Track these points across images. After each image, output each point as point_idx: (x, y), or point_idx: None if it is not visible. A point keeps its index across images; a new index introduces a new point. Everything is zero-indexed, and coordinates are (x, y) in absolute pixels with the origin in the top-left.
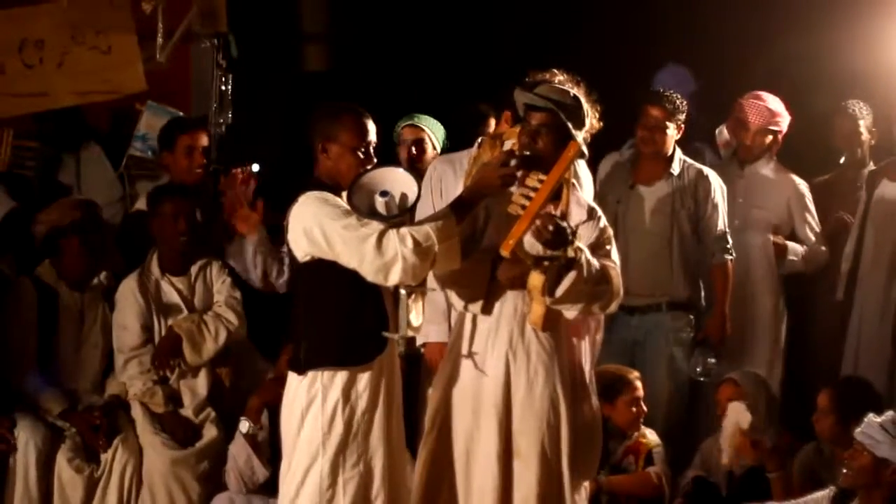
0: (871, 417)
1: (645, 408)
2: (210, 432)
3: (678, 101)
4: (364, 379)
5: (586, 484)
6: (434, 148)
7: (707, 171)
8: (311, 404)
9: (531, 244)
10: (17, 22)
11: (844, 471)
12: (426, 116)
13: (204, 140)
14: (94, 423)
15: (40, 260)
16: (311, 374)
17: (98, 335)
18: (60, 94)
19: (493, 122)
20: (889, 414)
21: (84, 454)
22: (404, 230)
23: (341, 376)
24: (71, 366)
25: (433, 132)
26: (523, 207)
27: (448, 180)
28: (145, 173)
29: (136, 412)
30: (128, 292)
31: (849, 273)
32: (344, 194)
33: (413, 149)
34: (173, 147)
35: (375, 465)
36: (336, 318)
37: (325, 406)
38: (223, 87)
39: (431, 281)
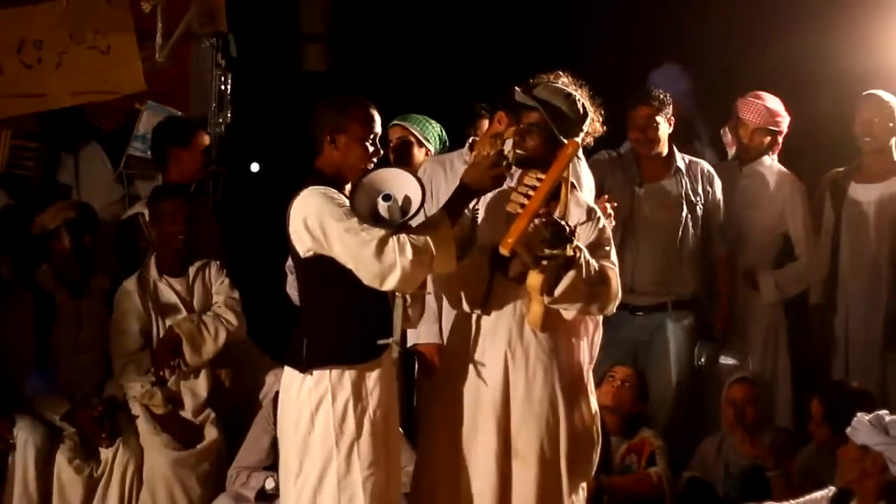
0: (861, 416)
1: (626, 389)
2: (210, 433)
3: (662, 96)
4: (373, 376)
5: (584, 484)
6: (421, 145)
7: (706, 165)
8: (320, 404)
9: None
10: (16, 22)
11: (839, 469)
12: (418, 116)
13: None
14: (95, 416)
15: (39, 262)
16: (316, 372)
17: (97, 339)
18: (59, 94)
19: (486, 122)
20: (883, 413)
21: (84, 454)
22: (404, 238)
23: (350, 374)
24: (69, 370)
25: (421, 131)
26: (522, 206)
27: (439, 181)
28: (143, 173)
29: (138, 413)
30: (126, 296)
31: (827, 278)
32: (347, 188)
33: (398, 149)
34: (189, 143)
35: (392, 463)
36: (342, 315)
37: (336, 405)
38: (222, 87)
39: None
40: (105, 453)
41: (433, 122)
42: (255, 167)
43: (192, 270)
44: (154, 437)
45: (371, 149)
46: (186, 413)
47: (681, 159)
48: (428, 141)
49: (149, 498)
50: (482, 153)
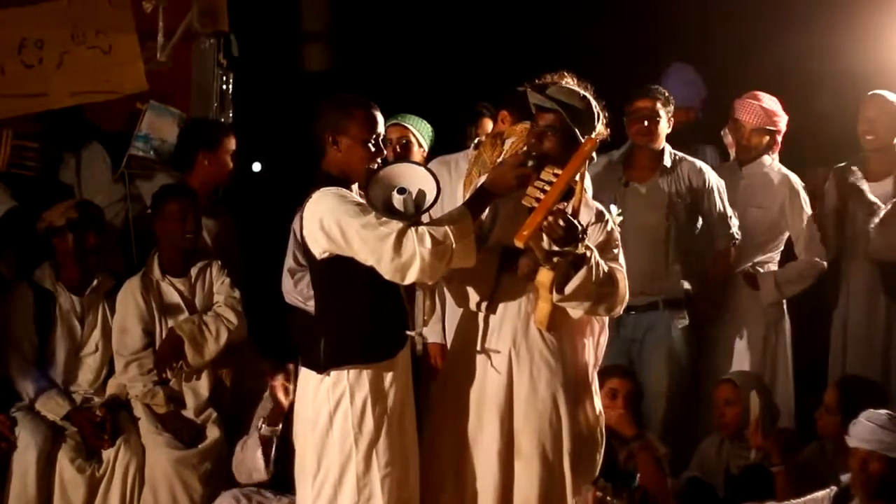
0: (863, 422)
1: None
2: (212, 433)
3: (668, 94)
4: (390, 375)
5: (587, 485)
6: (420, 146)
7: (699, 163)
8: (339, 404)
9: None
10: (17, 22)
11: (852, 476)
12: (411, 115)
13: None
14: (96, 420)
15: (40, 261)
16: (334, 373)
17: (98, 339)
18: (60, 94)
19: (487, 121)
20: (877, 412)
21: (86, 453)
22: (423, 229)
23: (367, 373)
24: (70, 369)
25: (419, 131)
26: (538, 200)
27: (443, 182)
28: (144, 173)
29: (139, 412)
30: (129, 295)
31: (829, 274)
32: (354, 187)
33: (398, 148)
34: (218, 146)
35: (410, 461)
36: (358, 315)
37: (355, 404)
38: (224, 87)
39: None
40: (107, 453)
41: (425, 121)
42: (256, 167)
43: (193, 271)
44: (156, 436)
45: (373, 149)
46: (188, 412)
47: (668, 158)
48: (424, 141)
49: (150, 497)
50: (483, 154)
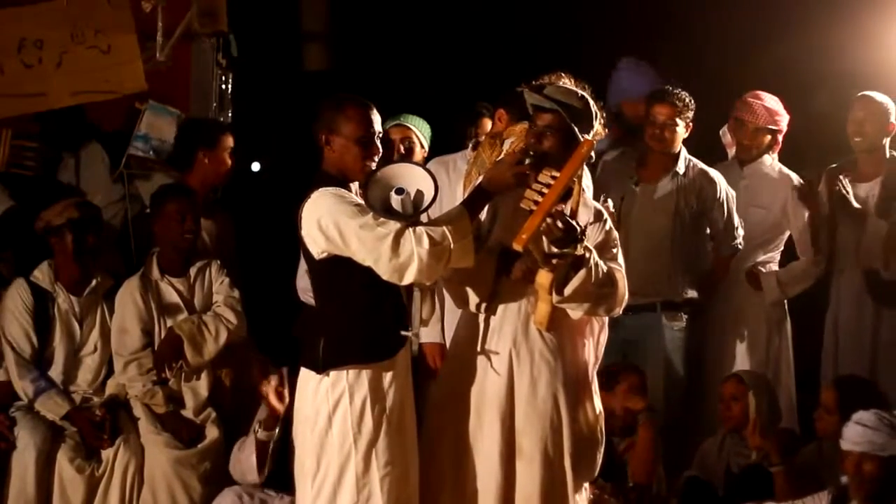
0: (852, 425)
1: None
2: (212, 433)
3: (687, 99)
4: (389, 374)
5: (587, 485)
6: (422, 146)
7: (713, 172)
8: (338, 404)
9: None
10: (16, 22)
11: (849, 479)
12: (412, 116)
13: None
14: (96, 420)
15: (39, 261)
16: (333, 373)
17: (97, 339)
18: (59, 93)
19: (487, 121)
20: (865, 413)
21: (85, 453)
22: (420, 230)
23: (367, 373)
24: (69, 370)
25: (420, 131)
26: (536, 203)
27: (441, 182)
28: (143, 173)
29: (139, 412)
30: (128, 295)
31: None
32: (352, 186)
33: (402, 149)
34: (216, 144)
35: (410, 461)
36: (357, 315)
37: (354, 404)
38: (223, 87)
39: None
40: (106, 453)
41: (425, 122)
42: (255, 167)
43: (192, 270)
44: (155, 436)
45: (366, 148)
46: (187, 412)
47: (682, 163)
48: (426, 141)
49: (150, 497)
50: (482, 154)
